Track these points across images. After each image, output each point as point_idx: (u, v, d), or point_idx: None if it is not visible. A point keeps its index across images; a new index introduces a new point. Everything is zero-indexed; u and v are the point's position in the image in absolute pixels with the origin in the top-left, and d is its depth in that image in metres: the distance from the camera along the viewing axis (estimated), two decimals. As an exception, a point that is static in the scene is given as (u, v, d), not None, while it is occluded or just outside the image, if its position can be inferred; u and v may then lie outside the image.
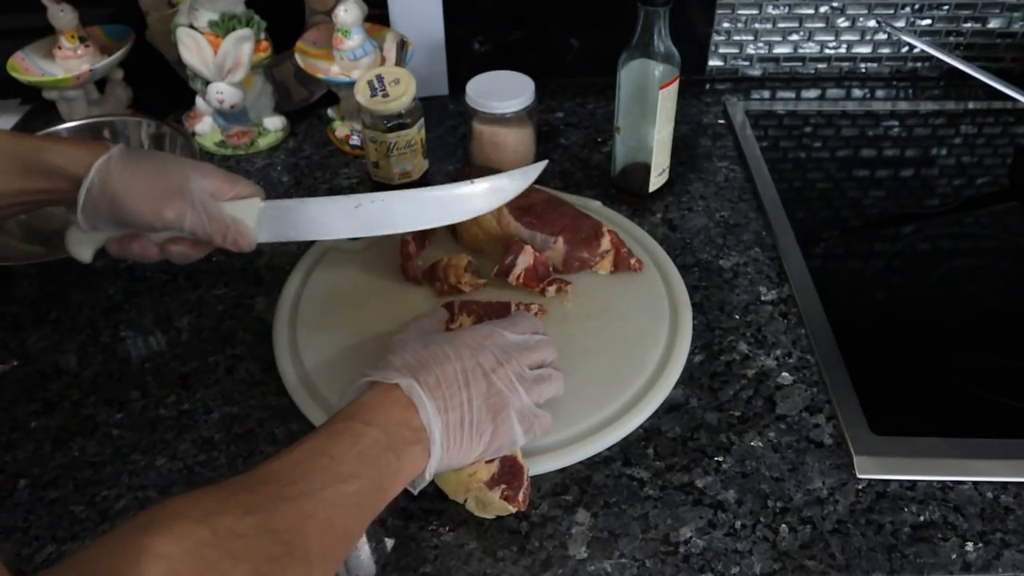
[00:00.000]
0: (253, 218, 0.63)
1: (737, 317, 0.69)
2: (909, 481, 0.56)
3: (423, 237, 0.72)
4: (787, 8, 0.96)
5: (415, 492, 0.51)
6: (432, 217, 0.66)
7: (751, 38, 0.99)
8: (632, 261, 0.70)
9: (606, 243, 0.70)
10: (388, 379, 0.49)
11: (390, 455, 0.46)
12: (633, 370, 0.63)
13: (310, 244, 0.75)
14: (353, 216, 0.65)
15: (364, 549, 0.53)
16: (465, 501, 0.53)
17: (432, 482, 0.54)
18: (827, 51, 1.00)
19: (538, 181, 0.75)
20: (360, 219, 0.65)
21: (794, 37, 0.99)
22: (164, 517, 0.37)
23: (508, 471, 0.53)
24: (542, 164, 0.70)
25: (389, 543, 0.53)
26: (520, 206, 0.71)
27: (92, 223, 0.60)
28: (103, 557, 0.35)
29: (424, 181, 0.82)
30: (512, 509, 0.53)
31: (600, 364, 0.63)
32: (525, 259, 0.68)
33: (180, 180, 0.59)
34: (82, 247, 0.63)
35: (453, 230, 0.74)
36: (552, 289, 0.68)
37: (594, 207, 0.78)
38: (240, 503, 0.39)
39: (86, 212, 0.58)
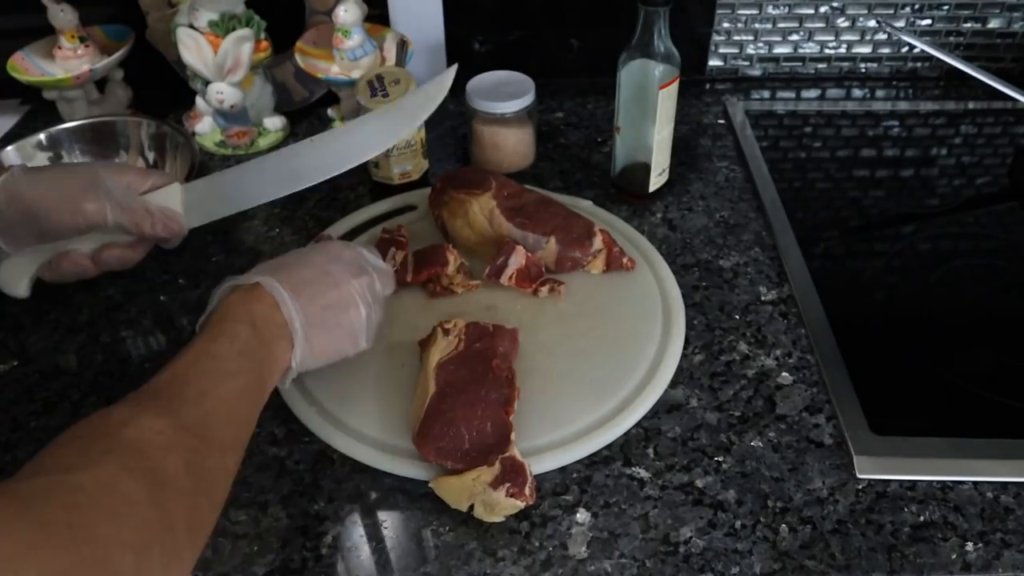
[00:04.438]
0: (178, 203, 0.62)
1: (737, 317, 0.69)
2: (909, 481, 0.56)
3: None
4: (787, 8, 0.96)
5: (285, 386, 0.55)
6: (354, 153, 0.67)
7: (751, 38, 0.99)
8: (624, 260, 0.70)
9: (598, 242, 0.70)
10: (248, 280, 0.52)
11: (263, 350, 0.49)
12: (627, 369, 0.63)
13: (307, 242, 0.75)
14: (275, 173, 0.66)
15: (364, 549, 0.53)
16: (471, 509, 0.53)
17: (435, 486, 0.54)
18: (827, 51, 1.00)
19: (537, 182, 0.75)
20: (283, 174, 0.66)
21: (794, 37, 0.99)
22: (90, 424, 0.41)
23: (510, 470, 0.53)
24: (453, 68, 0.70)
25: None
26: (511, 207, 0.71)
27: (12, 242, 0.59)
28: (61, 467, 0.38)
29: (424, 181, 0.82)
30: (521, 504, 0.53)
31: (594, 363, 0.63)
32: (517, 259, 0.68)
33: (91, 177, 0.59)
34: (15, 281, 0.62)
35: (445, 233, 0.74)
36: (545, 289, 0.68)
37: (585, 206, 0.78)
38: (148, 409, 0.42)
39: (1, 231, 0.58)
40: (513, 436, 0.55)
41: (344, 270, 0.56)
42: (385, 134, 0.69)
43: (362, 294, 0.56)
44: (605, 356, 0.63)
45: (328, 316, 0.53)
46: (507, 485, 0.52)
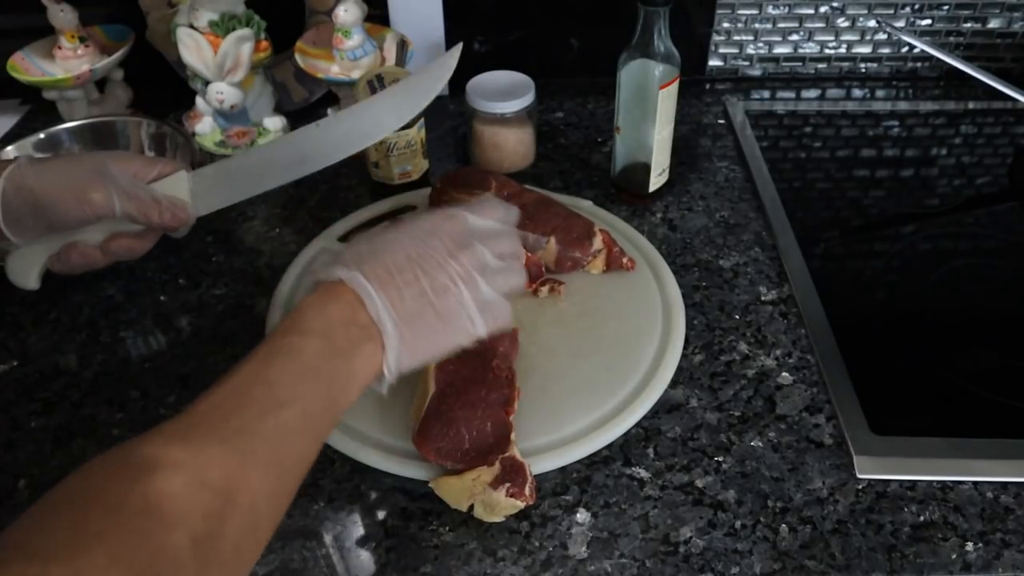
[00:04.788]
0: (186, 192, 0.61)
1: (737, 317, 0.69)
2: (909, 481, 0.56)
3: None
4: (787, 8, 0.96)
5: (384, 392, 0.47)
6: (361, 136, 0.65)
7: (751, 38, 0.99)
8: (624, 260, 0.70)
9: (598, 242, 0.70)
10: (331, 276, 0.46)
11: (337, 362, 0.43)
12: (628, 368, 0.63)
13: (307, 242, 0.75)
14: (283, 158, 0.63)
15: (364, 549, 0.53)
16: (471, 509, 0.53)
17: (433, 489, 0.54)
18: (827, 51, 1.00)
19: (537, 181, 0.75)
20: (291, 158, 0.63)
21: (794, 37, 0.99)
22: (97, 476, 0.36)
23: (509, 470, 0.53)
24: (457, 48, 0.68)
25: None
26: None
27: (20, 233, 0.58)
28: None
29: (424, 181, 0.82)
30: (521, 504, 0.52)
31: (595, 363, 0.63)
32: None
33: (97, 166, 0.58)
34: (24, 273, 0.61)
35: None
36: (545, 289, 0.68)
37: (585, 206, 0.79)
38: (171, 458, 0.36)
39: (8, 222, 0.56)
40: (513, 436, 0.55)
41: (442, 245, 0.48)
42: (390, 115, 0.66)
43: (466, 272, 0.48)
44: (605, 356, 0.63)
45: (426, 305, 0.46)
46: (507, 485, 0.52)
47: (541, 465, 0.56)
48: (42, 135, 0.81)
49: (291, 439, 0.40)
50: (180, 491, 0.35)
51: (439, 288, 0.47)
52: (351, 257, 0.47)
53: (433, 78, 0.67)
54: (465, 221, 0.50)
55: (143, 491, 0.35)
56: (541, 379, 0.61)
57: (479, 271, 0.49)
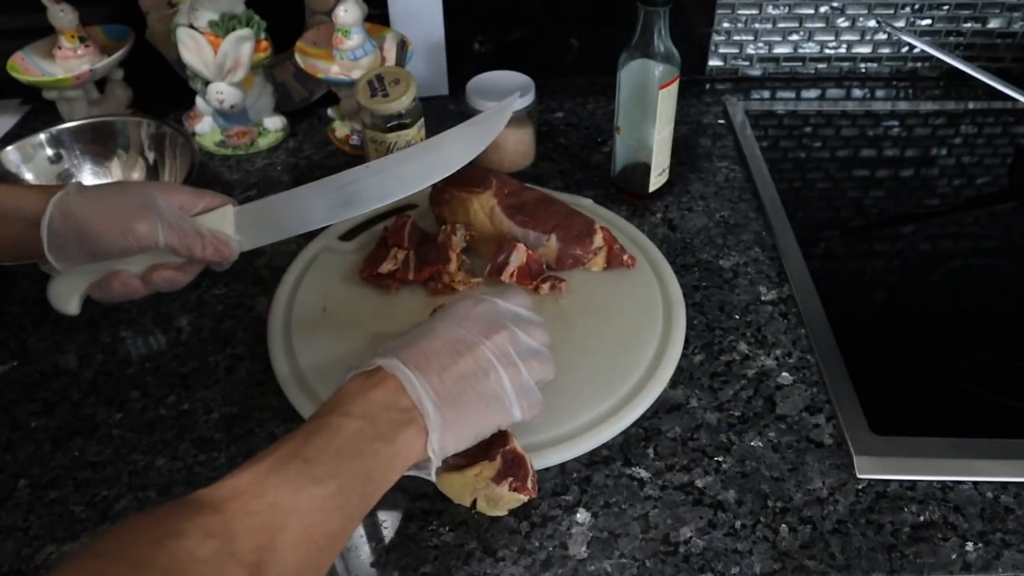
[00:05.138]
0: (230, 226, 0.61)
1: (737, 317, 0.69)
2: (909, 481, 0.56)
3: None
4: (787, 8, 0.96)
5: (433, 478, 0.48)
6: (410, 181, 0.64)
7: (751, 38, 0.99)
8: (625, 257, 0.71)
9: (599, 240, 0.70)
10: (368, 365, 0.47)
11: (377, 444, 0.44)
12: (629, 365, 0.63)
13: (307, 243, 0.75)
14: (330, 199, 0.63)
15: (364, 549, 0.53)
16: (473, 504, 0.53)
17: (435, 486, 0.54)
18: (827, 51, 1.00)
19: (537, 181, 0.75)
20: (338, 199, 0.63)
21: (794, 37, 0.99)
22: (129, 535, 0.36)
23: (511, 464, 0.52)
24: (513, 97, 0.68)
25: None
26: (512, 204, 0.71)
27: (64, 261, 0.57)
28: None
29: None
30: (524, 498, 0.53)
31: (596, 360, 0.63)
32: (518, 257, 0.68)
33: (144, 197, 0.58)
34: (65, 299, 0.61)
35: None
36: (546, 286, 0.68)
37: (585, 204, 0.79)
38: (202, 525, 0.37)
39: (53, 249, 0.56)
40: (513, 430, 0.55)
41: (476, 329, 0.49)
42: (442, 162, 0.65)
43: (502, 352, 0.49)
44: (606, 353, 0.64)
45: (465, 386, 0.47)
46: (509, 479, 0.52)
47: (542, 461, 0.57)
48: (42, 135, 0.81)
49: (325, 517, 0.40)
50: (208, 557, 0.36)
51: (479, 370, 0.48)
52: (387, 348, 0.48)
53: (487, 127, 0.67)
54: (496, 305, 0.52)
55: (171, 551, 0.35)
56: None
57: (517, 353, 0.50)
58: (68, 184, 0.58)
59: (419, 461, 0.47)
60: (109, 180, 0.83)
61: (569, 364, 0.62)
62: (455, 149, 0.66)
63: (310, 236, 0.77)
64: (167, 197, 0.59)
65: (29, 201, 0.56)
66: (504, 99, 0.71)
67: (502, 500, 0.52)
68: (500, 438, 0.54)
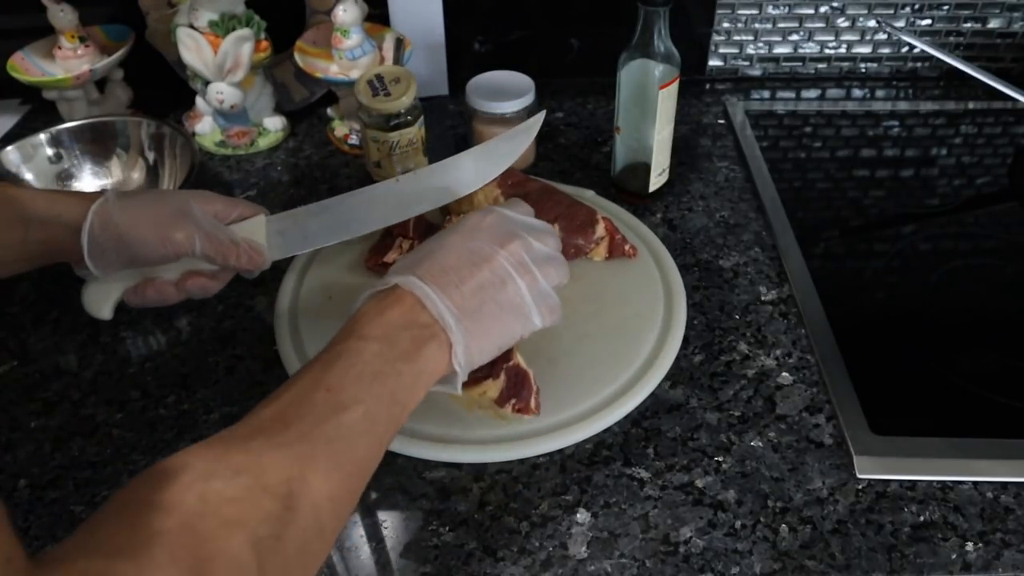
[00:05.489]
0: (262, 235, 0.62)
1: (737, 317, 0.69)
2: (909, 481, 0.56)
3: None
4: (787, 8, 0.96)
5: (459, 391, 0.48)
6: (439, 195, 0.64)
7: (751, 38, 0.99)
8: (627, 247, 0.71)
9: (600, 230, 0.70)
10: (384, 284, 0.46)
11: (399, 364, 0.43)
12: (630, 353, 0.63)
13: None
14: (359, 212, 0.64)
15: (364, 549, 0.53)
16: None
17: (434, 486, 0.54)
18: (827, 51, 1.00)
19: (537, 177, 0.75)
20: (367, 213, 0.64)
21: (794, 37, 0.99)
22: (156, 480, 0.36)
23: (514, 382, 0.52)
24: (541, 114, 0.68)
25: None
26: (516, 195, 0.71)
27: (102, 267, 0.58)
28: (104, 541, 0.34)
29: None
30: (527, 419, 0.54)
31: (597, 348, 0.63)
32: None
33: (181, 205, 0.58)
34: (100, 304, 0.62)
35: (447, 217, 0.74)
36: None
37: (588, 196, 0.79)
38: (231, 464, 0.37)
39: (93, 256, 0.57)
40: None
41: (489, 239, 0.49)
42: (471, 176, 0.66)
43: (518, 260, 0.49)
44: (607, 341, 0.64)
45: (485, 297, 0.47)
46: (512, 401, 0.52)
47: (543, 446, 0.57)
48: (42, 135, 0.81)
49: (353, 442, 0.41)
50: (240, 495, 0.36)
51: (497, 280, 0.48)
52: (402, 265, 0.48)
53: (515, 142, 0.67)
54: (505, 215, 0.52)
55: (201, 493, 0.35)
56: (544, 362, 0.62)
57: (532, 260, 0.49)
58: (107, 192, 0.59)
59: (444, 376, 0.46)
60: (110, 181, 0.83)
61: (570, 352, 0.63)
62: (484, 164, 0.66)
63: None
64: (203, 206, 0.60)
65: (69, 208, 0.57)
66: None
67: (507, 418, 0.53)
68: (504, 353, 0.52)
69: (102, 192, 0.59)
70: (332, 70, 0.85)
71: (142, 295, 0.62)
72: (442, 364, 0.45)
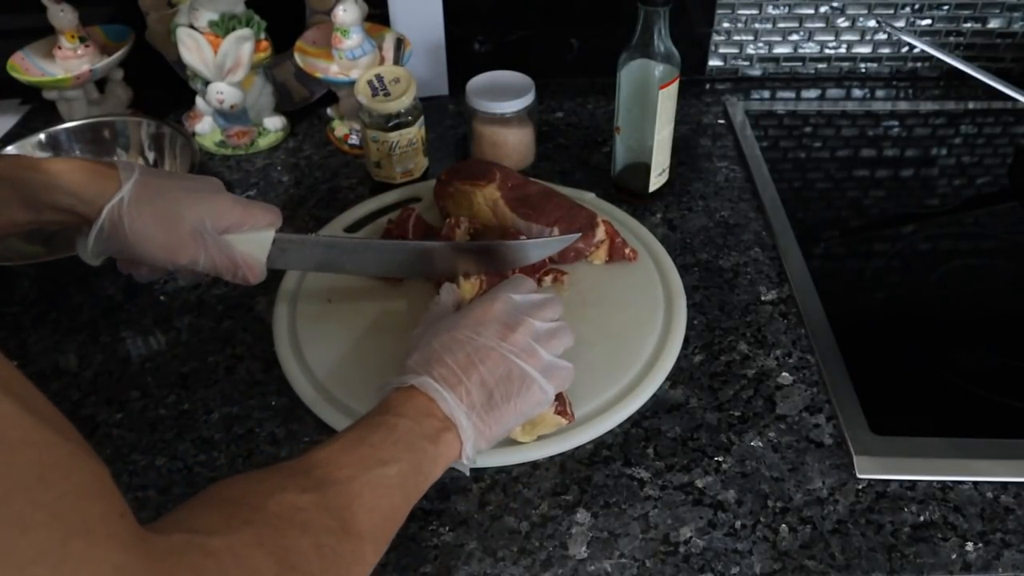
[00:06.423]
0: (265, 251, 0.62)
1: (737, 317, 0.69)
2: (909, 481, 0.56)
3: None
4: (787, 8, 0.96)
5: (467, 473, 0.54)
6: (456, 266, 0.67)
7: (751, 38, 0.99)
8: (627, 250, 0.71)
9: (601, 233, 0.70)
10: (404, 383, 0.51)
11: (425, 443, 0.48)
12: (630, 357, 0.63)
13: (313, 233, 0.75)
14: (372, 259, 0.66)
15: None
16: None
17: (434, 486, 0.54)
18: (827, 51, 1.00)
19: (537, 179, 0.75)
20: (371, 267, 0.67)
21: (794, 37, 0.99)
22: (240, 486, 0.42)
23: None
24: (576, 236, 0.69)
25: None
26: (516, 197, 0.71)
27: (99, 259, 0.59)
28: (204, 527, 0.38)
29: (424, 179, 0.82)
30: (564, 422, 0.56)
31: (597, 351, 0.63)
32: None
33: (195, 223, 0.58)
34: (90, 253, 0.62)
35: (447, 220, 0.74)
36: (548, 279, 0.69)
37: (588, 199, 0.79)
38: (298, 484, 0.43)
39: (96, 251, 0.57)
40: None
41: (495, 332, 0.53)
42: (474, 269, 0.67)
43: (522, 348, 0.53)
44: (608, 345, 0.64)
45: (494, 392, 0.51)
46: (555, 404, 0.55)
47: (547, 449, 0.57)
48: (42, 135, 0.81)
49: (390, 492, 0.46)
50: (308, 507, 0.41)
51: (504, 374, 0.52)
52: (416, 363, 0.52)
53: (543, 248, 0.67)
54: (510, 300, 0.56)
55: (279, 501, 0.41)
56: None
57: (536, 340, 0.54)
58: (124, 183, 0.56)
59: (457, 460, 0.51)
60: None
61: (570, 356, 0.62)
62: (508, 254, 0.67)
63: (315, 229, 0.77)
64: (217, 222, 0.59)
65: (84, 204, 0.56)
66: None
67: (540, 424, 0.55)
68: None
69: (118, 177, 0.57)
70: (332, 70, 0.85)
71: (136, 268, 0.62)
72: (455, 450, 0.50)
